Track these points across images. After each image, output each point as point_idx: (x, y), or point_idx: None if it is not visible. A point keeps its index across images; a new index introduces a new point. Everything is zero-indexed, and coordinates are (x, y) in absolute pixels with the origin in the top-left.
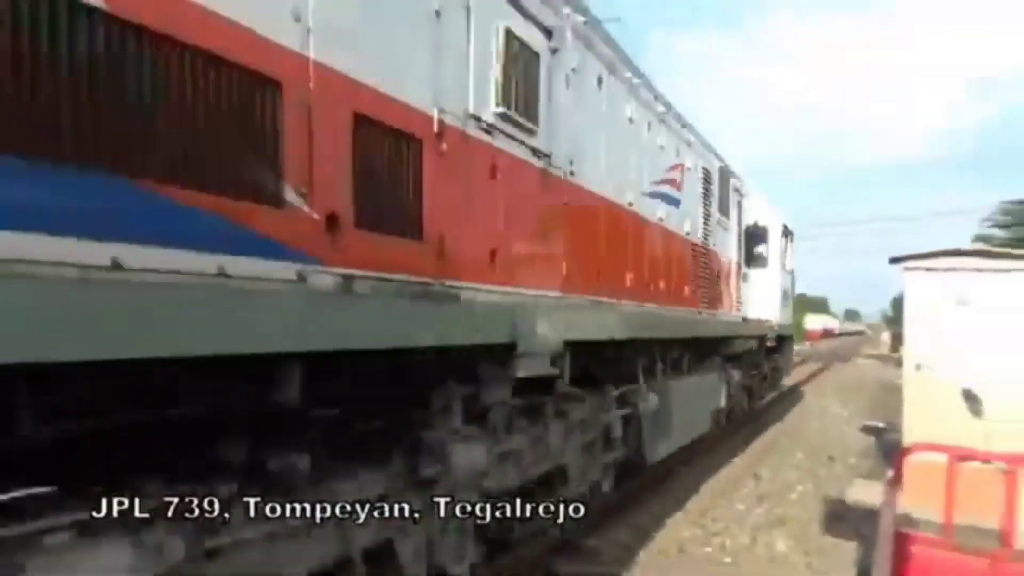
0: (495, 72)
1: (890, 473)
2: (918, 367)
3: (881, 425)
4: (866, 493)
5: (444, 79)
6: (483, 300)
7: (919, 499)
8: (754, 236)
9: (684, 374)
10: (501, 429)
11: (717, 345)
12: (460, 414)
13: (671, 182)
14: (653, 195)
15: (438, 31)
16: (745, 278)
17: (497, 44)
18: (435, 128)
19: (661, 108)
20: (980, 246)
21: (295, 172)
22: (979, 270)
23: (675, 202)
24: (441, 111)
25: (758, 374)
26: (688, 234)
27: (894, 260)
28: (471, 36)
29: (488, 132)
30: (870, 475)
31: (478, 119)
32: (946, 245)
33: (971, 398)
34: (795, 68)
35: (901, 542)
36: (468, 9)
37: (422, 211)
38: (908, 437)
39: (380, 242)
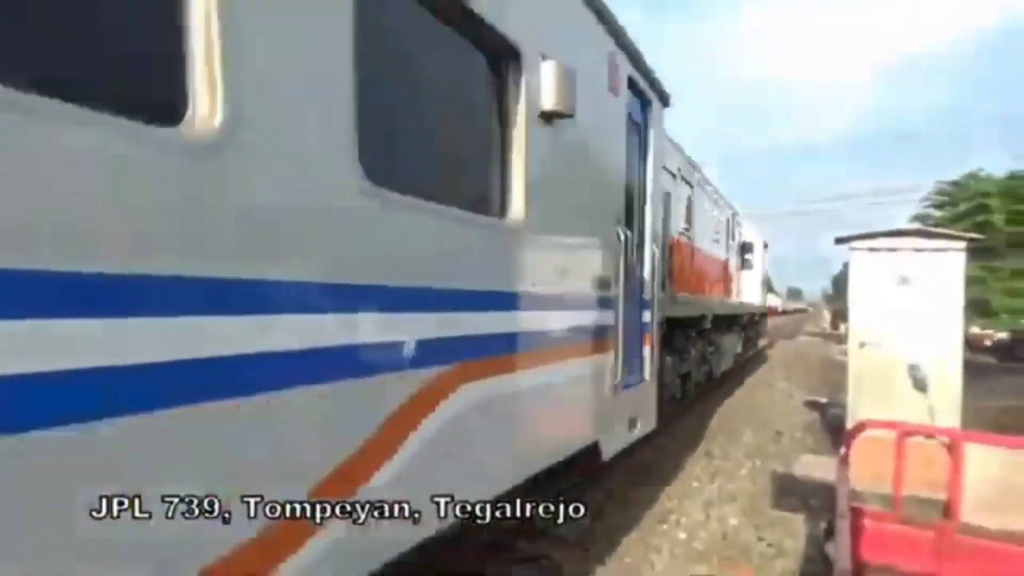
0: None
1: (842, 450)
2: (862, 344)
3: (824, 400)
4: (812, 467)
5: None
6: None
7: (869, 474)
8: (745, 248)
9: (724, 332)
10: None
11: (735, 317)
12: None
13: (716, 231)
14: (711, 240)
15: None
16: (739, 277)
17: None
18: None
19: (715, 194)
20: (918, 226)
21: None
22: (919, 250)
23: (717, 241)
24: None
25: (749, 335)
26: (720, 256)
27: (839, 240)
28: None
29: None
30: (815, 449)
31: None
32: (886, 226)
33: (915, 374)
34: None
35: (853, 517)
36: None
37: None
38: (852, 413)
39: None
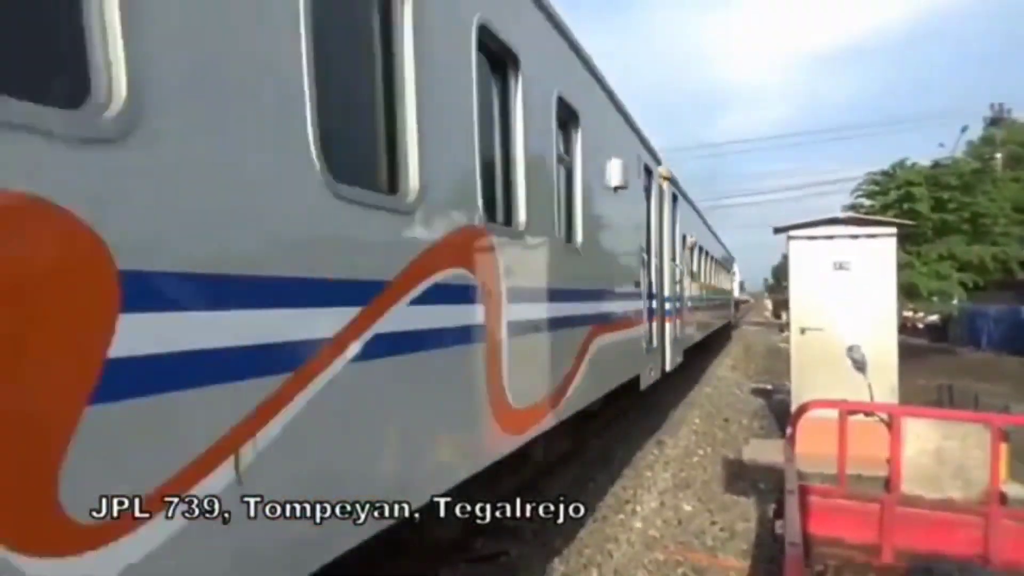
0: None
1: (788, 430)
2: (803, 330)
3: (769, 387)
4: (760, 451)
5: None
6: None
7: (814, 456)
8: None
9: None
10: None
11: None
12: None
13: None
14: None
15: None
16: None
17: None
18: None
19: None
20: (852, 215)
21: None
22: (854, 236)
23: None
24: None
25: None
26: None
27: (778, 230)
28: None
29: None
30: (762, 434)
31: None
32: (822, 215)
33: (853, 355)
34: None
35: (800, 494)
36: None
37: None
38: (797, 397)
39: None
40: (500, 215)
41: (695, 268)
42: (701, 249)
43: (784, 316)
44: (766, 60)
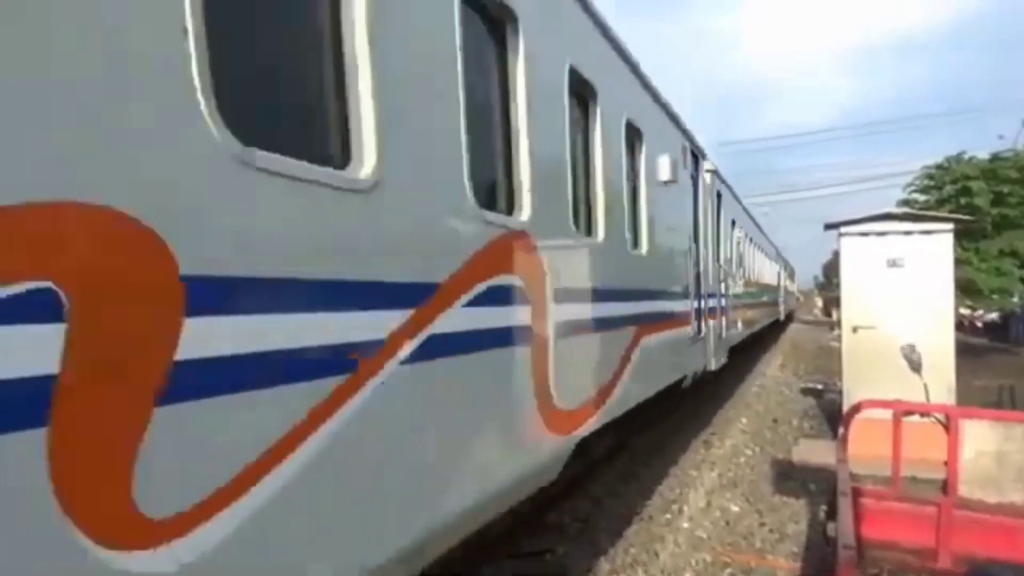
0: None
1: (840, 430)
2: (855, 329)
3: (820, 387)
4: (810, 452)
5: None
6: None
7: (867, 457)
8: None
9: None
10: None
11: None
12: None
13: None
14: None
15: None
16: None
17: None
18: None
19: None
20: (906, 210)
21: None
22: (908, 233)
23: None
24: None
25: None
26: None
27: (829, 226)
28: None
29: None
30: (812, 435)
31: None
32: (876, 211)
33: (908, 355)
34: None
35: (853, 496)
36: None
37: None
38: (848, 397)
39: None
40: (584, 227)
41: (742, 265)
42: (750, 242)
43: (835, 314)
44: (814, 53)
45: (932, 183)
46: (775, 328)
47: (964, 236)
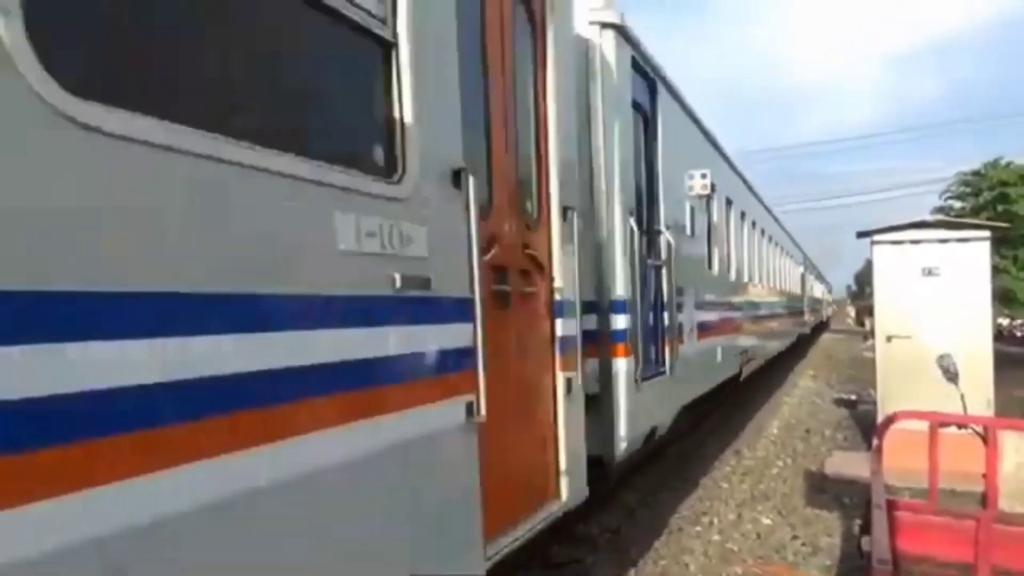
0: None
1: (875, 442)
2: (889, 338)
3: (853, 397)
4: (844, 464)
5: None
6: None
7: (902, 470)
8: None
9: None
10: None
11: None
12: None
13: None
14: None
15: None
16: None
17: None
18: None
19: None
20: (941, 218)
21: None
22: (943, 241)
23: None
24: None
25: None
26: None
27: (861, 234)
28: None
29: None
30: (845, 446)
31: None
32: (910, 218)
33: (944, 364)
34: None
35: (888, 509)
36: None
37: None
38: (883, 407)
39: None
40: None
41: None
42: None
43: (868, 323)
44: (848, 59)
45: (968, 189)
46: (797, 347)
47: (1002, 244)
